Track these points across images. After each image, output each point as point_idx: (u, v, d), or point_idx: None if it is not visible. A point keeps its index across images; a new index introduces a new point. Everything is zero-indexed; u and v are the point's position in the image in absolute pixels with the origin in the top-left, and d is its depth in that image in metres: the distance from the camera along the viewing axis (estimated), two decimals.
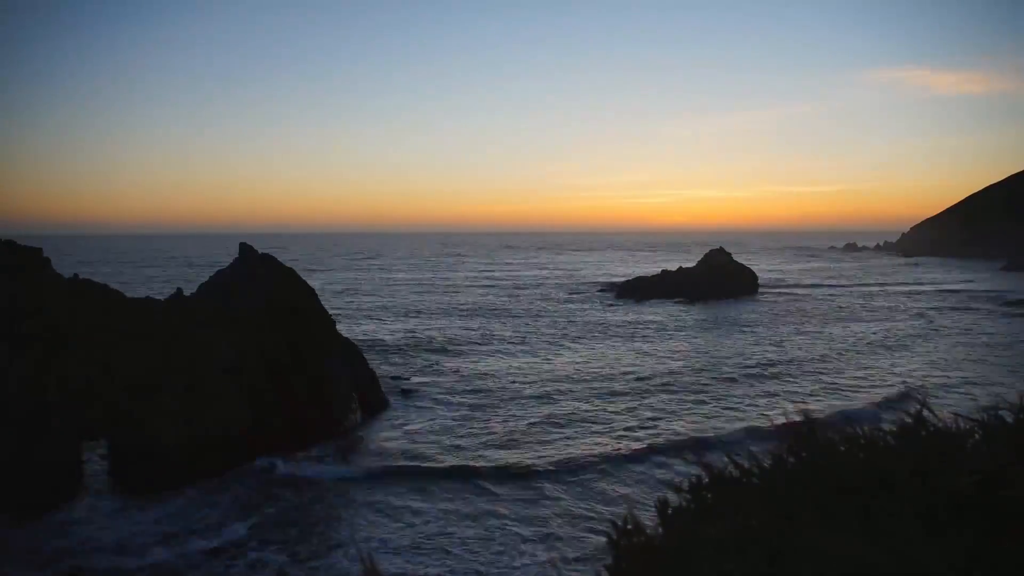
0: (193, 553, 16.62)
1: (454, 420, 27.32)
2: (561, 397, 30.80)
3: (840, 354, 40.69)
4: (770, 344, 44.08)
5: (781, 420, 3.31)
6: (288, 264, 29.22)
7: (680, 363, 38.15)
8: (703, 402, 29.89)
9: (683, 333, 48.67)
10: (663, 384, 33.14)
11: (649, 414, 28.01)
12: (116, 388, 20.78)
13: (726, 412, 28.34)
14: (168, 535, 17.49)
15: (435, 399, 30.46)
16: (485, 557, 16.35)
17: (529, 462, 22.47)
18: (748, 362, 38.23)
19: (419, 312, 61.01)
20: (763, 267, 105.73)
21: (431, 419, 27.43)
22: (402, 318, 56.85)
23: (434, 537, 17.44)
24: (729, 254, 75.80)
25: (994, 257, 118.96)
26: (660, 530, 3.00)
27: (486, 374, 35.29)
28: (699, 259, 76.52)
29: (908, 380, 33.62)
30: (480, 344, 44.31)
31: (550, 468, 21.89)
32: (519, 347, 43.29)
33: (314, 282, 33.13)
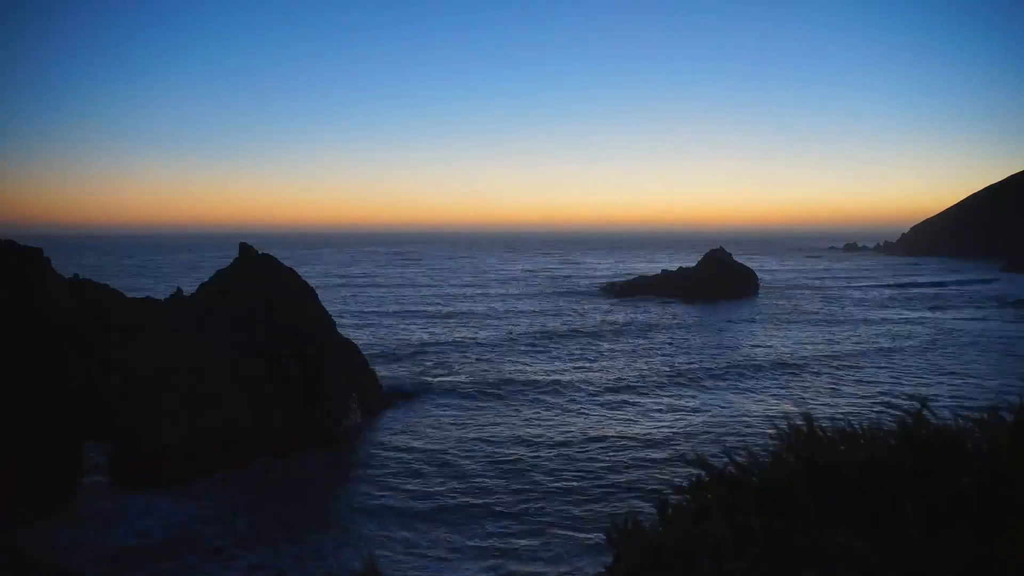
0: (193, 552, 16.61)
1: (453, 422, 27.30)
2: (560, 400, 30.78)
3: (841, 354, 40.65)
4: (770, 345, 44.06)
5: (781, 420, 3.30)
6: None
7: (681, 365, 38.12)
8: (704, 403, 29.86)
9: (684, 334, 48.65)
10: (664, 386, 33.13)
11: (650, 415, 27.99)
12: (116, 388, 20.77)
13: (727, 414, 28.30)
14: (168, 534, 17.48)
15: (434, 400, 30.44)
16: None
17: (527, 468, 22.46)
18: (748, 363, 38.22)
19: (418, 313, 60.98)
20: (762, 267, 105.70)
21: (430, 420, 27.41)
22: (401, 319, 56.82)
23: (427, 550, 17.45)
24: (729, 254, 75.71)
25: (994, 257, 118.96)
26: (660, 530, 3.00)
27: (485, 375, 35.25)
28: (699, 259, 76.51)
29: (907, 380, 33.60)
30: (479, 345, 44.27)
31: (548, 477, 21.84)
32: (518, 349, 43.24)
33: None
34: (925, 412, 3.00)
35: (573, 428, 26.16)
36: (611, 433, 25.46)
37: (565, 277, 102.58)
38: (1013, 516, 2.45)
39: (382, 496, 20.12)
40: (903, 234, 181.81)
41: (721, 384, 33.09)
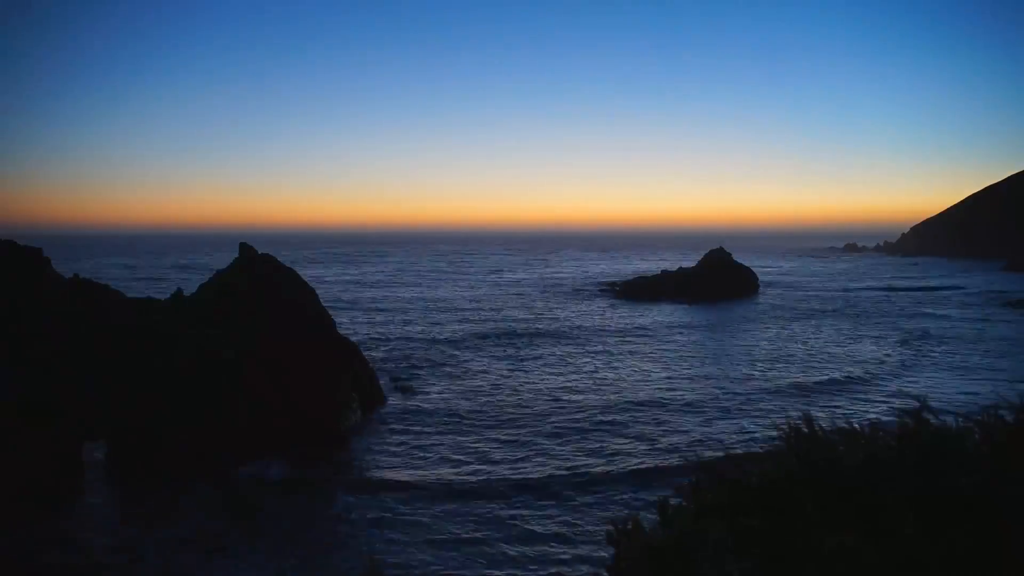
0: (193, 552, 16.61)
1: (453, 421, 27.30)
2: (560, 400, 30.78)
3: (839, 354, 40.66)
4: (770, 345, 44.07)
5: (781, 420, 3.31)
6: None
7: (681, 365, 38.13)
8: (705, 404, 29.85)
9: (684, 335, 48.66)
10: (664, 386, 33.14)
11: (650, 414, 27.99)
12: (116, 388, 20.78)
13: (727, 414, 28.30)
14: (168, 535, 17.48)
15: (434, 399, 30.45)
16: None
17: (526, 470, 22.46)
18: (748, 363, 38.21)
19: (418, 313, 60.98)
20: (762, 267, 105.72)
21: (430, 420, 27.40)
22: (402, 318, 56.83)
23: (427, 542, 17.44)
24: (729, 254, 75.71)
25: (994, 257, 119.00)
26: (660, 530, 3.00)
27: (485, 375, 35.28)
28: (699, 259, 76.52)
29: (908, 380, 33.60)
30: (479, 345, 44.29)
31: (548, 479, 21.80)
32: (519, 349, 43.26)
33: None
34: (925, 412, 3.00)
35: (574, 428, 26.14)
36: (613, 432, 25.44)
37: (565, 277, 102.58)
38: (1013, 516, 2.45)
39: (383, 495, 20.12)
40: (903, 234, 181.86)
41: (721, 384, 33.08)
